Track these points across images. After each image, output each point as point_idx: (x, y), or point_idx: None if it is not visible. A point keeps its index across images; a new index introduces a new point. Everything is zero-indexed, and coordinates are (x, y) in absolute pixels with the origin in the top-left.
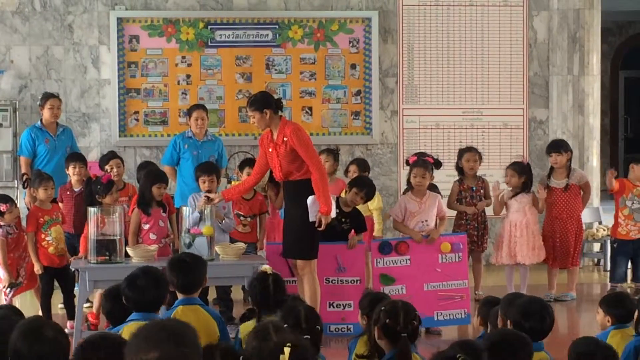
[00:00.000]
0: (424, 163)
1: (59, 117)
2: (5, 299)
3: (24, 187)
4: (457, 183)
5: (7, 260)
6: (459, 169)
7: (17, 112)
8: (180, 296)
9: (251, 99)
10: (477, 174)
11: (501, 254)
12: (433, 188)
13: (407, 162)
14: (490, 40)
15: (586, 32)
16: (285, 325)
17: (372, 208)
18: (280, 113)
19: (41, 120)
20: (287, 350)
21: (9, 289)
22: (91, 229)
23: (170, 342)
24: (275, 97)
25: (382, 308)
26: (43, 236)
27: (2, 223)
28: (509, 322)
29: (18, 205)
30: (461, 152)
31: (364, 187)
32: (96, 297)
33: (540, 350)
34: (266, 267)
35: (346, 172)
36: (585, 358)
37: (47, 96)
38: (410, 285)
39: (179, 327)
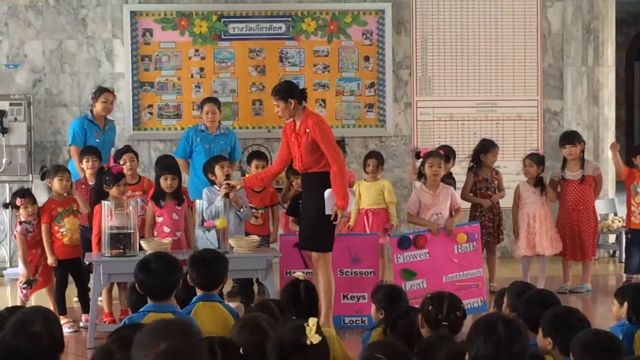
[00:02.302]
0: (438, 153)
1: (110, 111)
2: (21, 294)
3: (42, 179)
4: (471, 174)
5: (27, 257)
6: (478, 160)
7: (32, 106)
8: (199, 292)
9: (276, 88)
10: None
11: (519, 246)
12: (449, 177)
13: (418, 155)
14: (504, 31)
15: (600, 22)
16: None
17: (388, 202)
18: (304, 103)
19: (91, 111)
20: (312, 321)
21: (25, 285)
22: (105, 223)
23: (179, 334)
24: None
25: (428, 296)
26: (57, 228)
27: (22, 219)
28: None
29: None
30: (486, 146)
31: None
32: (103, 294)
33: None
34: (299, 274)
35: (365, 166)
36: (589, 347)
37: (102, 90)
38: (430, 278)
39: (184, 321)
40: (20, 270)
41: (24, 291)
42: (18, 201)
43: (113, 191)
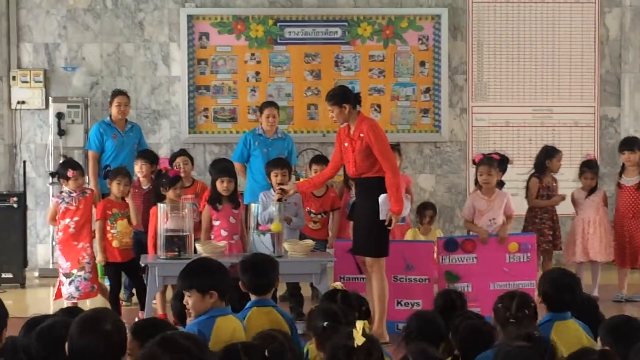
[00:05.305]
0: (489, 160)
1: (127, 114)
2: (68, 293)
3: (104, 179)
4: (536, 180)
5: (55, 220)
6: (543, 167)
7: (89, 109)
8: (252, 297)
9: (330, 93)
10: None
11: (574, 252)
12: (500, 185)
13: (474, 162)
14: (561, 37)
15: None
16: (326, 324)
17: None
18: (358, 108)
19: (110, 116)
20: (359, 324)
21: (64, 278)
22: (160, 225)
23: None
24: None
25: (500, 294)
26: (108, 228)
27: (63, 189)
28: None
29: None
30: (551, 152)
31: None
32: (157, 296)
33: (569, 319)
34: (337, 284)
35: (422, 217)
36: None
37: (115, 93)
38: (476, 283)
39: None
40: (61, 261)
41: (66, 288)
42: (70, 172)
43: (169, 194)
